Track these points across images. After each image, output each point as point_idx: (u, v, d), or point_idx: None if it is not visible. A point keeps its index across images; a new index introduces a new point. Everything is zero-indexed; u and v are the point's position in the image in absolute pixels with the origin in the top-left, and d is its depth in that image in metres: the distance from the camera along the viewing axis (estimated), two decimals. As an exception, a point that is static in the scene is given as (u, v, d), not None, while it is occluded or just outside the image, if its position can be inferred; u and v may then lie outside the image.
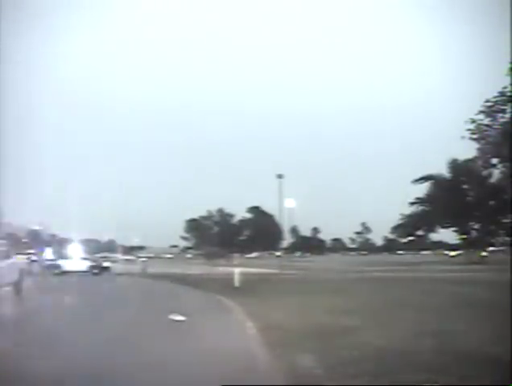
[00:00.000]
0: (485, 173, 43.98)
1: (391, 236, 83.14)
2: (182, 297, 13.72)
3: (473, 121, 18.36)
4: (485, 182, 46.55)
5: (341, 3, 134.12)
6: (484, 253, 56.97)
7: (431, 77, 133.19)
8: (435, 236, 63.50)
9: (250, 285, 16.41)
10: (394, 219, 59.89)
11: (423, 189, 53.71)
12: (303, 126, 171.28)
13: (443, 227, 54.84)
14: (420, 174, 53.59)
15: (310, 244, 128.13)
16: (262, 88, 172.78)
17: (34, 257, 36.83)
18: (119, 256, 71.37)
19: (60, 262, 28.32)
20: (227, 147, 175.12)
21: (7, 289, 13.41)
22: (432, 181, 52.73)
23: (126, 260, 63.11)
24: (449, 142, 49.66)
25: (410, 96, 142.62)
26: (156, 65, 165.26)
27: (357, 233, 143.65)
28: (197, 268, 41.30)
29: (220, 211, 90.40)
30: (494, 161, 20.83)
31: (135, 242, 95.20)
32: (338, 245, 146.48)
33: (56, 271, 27.02)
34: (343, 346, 5.67)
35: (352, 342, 5.87)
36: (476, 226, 52.35)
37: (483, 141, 18.65)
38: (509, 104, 17.90)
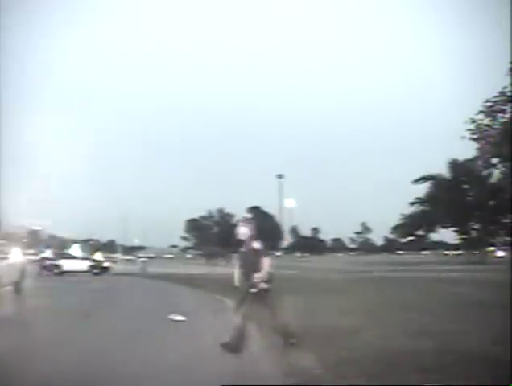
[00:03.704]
0: (485, 173, 44.01)
1: (391, 236, 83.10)
2: (181, 297, 13.72)
3: (473, 121, 18.36)
4: (485, 182, 46.60)
5: (342, 5, 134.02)
6: (501, 253, 56.67)
7: (431, 77, 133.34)
8: (435, 236, 63.62)
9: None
10: (394, 219, 60.04)
11: (423, 189, 53.85)
12: (303, 127, 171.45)
13: (443, 227, 54.89)
14: (420, 174, 53.73)
15: (310, 244, 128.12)
16: (263, 89, 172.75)
17: (34, 257, 36.83)
18: (119, 256, 71.40)
19: (60, 262, 28.31)
20: (227, 147, 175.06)
21: (7, 289, 13.42)
22: (432, 181, 52.81)
23: (126, 260, 63.15)
24: (449, 142, 49.70)
25: (410, 96, 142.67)
26: (156, 65, 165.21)
27: (357, 233, 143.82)
28: (197, 268, 41.30)
29: (220, 211, 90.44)
30: (494, 161, 20.83)
31: (135, 242, 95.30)
32: (338, 245, 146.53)
33: (56, 271, 27.03)
34: (343, 346, 5.67)
35: (352, 343, 5.88)
36: (476, 226, 52.37)
37: (483, 141, 18.63)
38: (510, 104, 17.90)
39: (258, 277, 5.36)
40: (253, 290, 5.40)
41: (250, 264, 5.48)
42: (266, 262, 5.43)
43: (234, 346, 5.40)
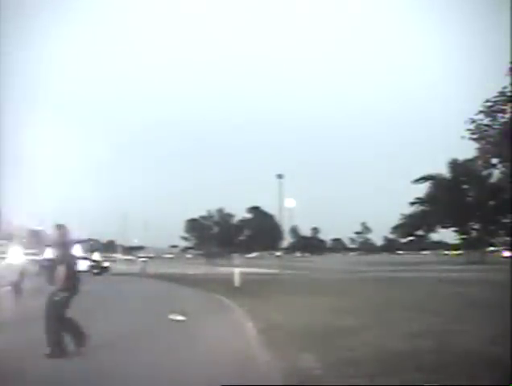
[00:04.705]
0: (485, 173, 43.98)
1: (391, 236, 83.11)
2: (182, 297, 13.71)
3: (473, 121, 18.34)
4: (485, 182, 46.62)
5: (343, 7, 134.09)
6: (507, 253, 56.44)
7: (432, 77, 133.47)
8: (435, 236, 63.64)
9: (250, 285, 16.42)
10: (394, 219, 60.07)
11: (423, 189, 53.86)
12: (303, 127, 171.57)
13: (443, 227, 54.90)
14: (420, 174, 53.74)
15: (310, 244, 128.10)
16: (263, 90, 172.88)
17: (34, 257, 36.74)
18: (119, 256, 71.38)
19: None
20: (227, 147, 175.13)
21: (7, 289, 13.42)
22: (432, 181, 52.81)
23: (126, 260, 63.11)
24: (449, 142, 49.75)
25: (410, 96, 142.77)
26: (156, 70, 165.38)
27: (357, 233, 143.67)
28: (197, 268, 41.30)
29: (220, 211, 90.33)
30: (494, 161, 20.81)
31: (135, 242, 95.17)
32: (338, 245, 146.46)
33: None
34: (343, 346, 5.66)
35: (352, 343, 5.86)
36: (476, 226, 52.37)
37: (483, 141, 18.62)
38: (510, 104, 17.88)
39: (57, 284, 5.38)
40: (55, 297, 5.42)
41: (51, 271, 5.52)
42: (60, 270, 5.38)
43: (57, 352, 5.32)
